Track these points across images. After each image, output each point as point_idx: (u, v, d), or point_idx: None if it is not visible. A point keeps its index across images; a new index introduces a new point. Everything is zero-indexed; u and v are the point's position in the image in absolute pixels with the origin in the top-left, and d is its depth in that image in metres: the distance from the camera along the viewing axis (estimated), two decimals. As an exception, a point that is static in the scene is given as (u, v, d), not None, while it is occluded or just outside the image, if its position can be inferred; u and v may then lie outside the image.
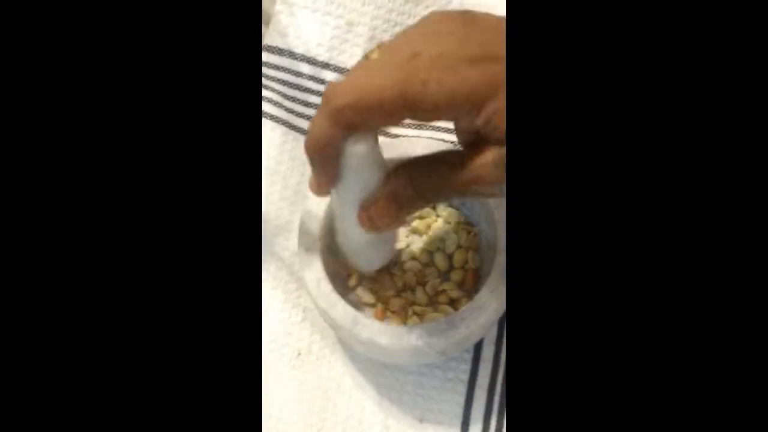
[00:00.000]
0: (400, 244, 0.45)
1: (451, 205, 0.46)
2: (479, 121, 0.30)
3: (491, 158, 0.31)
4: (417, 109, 0.30)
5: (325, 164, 0.33)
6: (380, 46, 0.32)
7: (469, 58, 0.29)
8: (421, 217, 0.46)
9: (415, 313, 0.43)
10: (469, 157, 0.31)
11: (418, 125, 0.48)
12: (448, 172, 0.32)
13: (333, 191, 0.36)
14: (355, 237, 0.38)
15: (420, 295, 0.43)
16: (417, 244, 0.45)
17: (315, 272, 0.40)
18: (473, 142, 0.32)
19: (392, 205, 0.34)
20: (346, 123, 0.31)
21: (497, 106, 0.29)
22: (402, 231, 0.46)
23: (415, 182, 0.33)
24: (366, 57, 0.32)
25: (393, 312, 0.43)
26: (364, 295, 0.43)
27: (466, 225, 0.45)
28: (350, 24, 0.49)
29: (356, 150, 0.33)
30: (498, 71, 0.29)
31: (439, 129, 0.48)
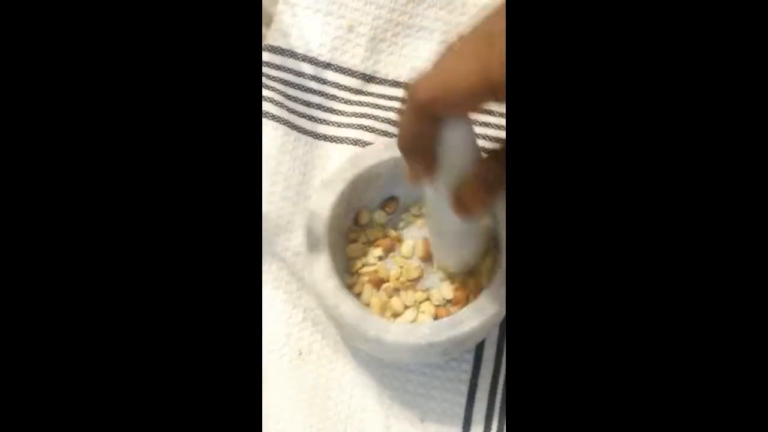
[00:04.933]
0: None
1: None
2: None
3: None
4: (499, 92, 0.29)
5: (422, 156, 0.33)
6: (460, 35, 0.32)
7: None
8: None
9: (421, 312, 0.43)
10: None
11: None
12: None
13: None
14: (448, 228, 0.38)
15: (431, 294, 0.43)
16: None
17: (321, 270, 0.40)
18: None
19: (483, 188, 0.34)
20: (433, 115, 0.31)
21: None
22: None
23: (504, 164, 0.33)
24: (449, 48, 0.33)
25: (398, 311, 0.43)
26: (365, 294, 0.44)
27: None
28: (351, 28, 0.49)
29: (451, 138, 0.33)
30: None
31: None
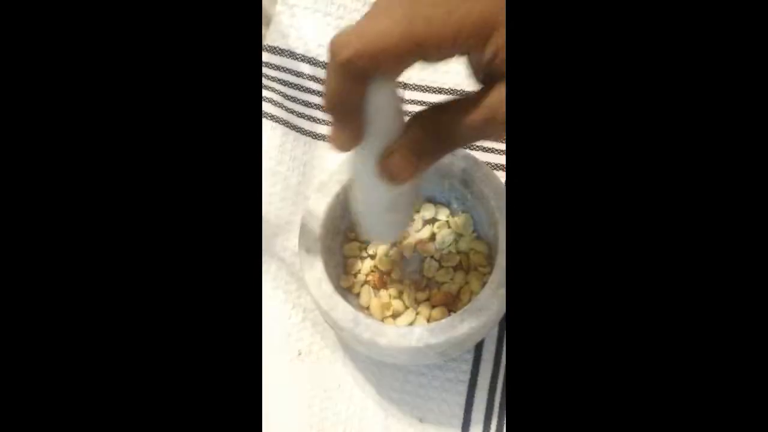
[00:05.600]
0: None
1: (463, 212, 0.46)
2: (486, 56, 0.29)
3: (500, 96, 0.30)
4: (424, 48, 0.29)
5: (348, 119, 0.32)
6: None
7: None
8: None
9: (417, 313, 0.43)
10: (481, 96, 0.30)
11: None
12: (462, 115, 0.31)
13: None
14: (374, 198, 0.37)
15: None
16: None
17: (316, 273, 0.40)
18: (484, 80, 0.31)
19: (411, 153, 0.33)
20: (357, 73, 0.30)
21: (502, 39, 0.28)
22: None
23: (432, 128, 0.32)
24: (375, 4, 0.32)
25: (394, 313, 0.43)
26: (364, 295, 0.43)
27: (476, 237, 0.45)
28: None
29: (376, 100, 0.32)
30: (499, 1, 0.28)
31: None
